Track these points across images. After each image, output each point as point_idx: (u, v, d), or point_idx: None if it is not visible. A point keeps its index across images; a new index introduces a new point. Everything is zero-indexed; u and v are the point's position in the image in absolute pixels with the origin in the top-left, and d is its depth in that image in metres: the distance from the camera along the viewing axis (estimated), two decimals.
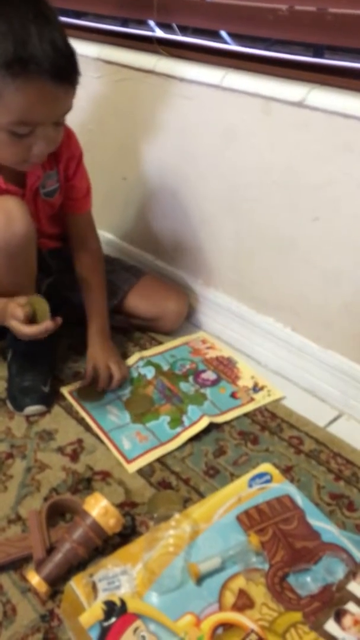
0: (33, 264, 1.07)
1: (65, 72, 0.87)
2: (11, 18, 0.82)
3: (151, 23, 1.33)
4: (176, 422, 1.07)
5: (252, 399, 1.14)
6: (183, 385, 1.16)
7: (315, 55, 1.12)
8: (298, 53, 1.10)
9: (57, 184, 1.13)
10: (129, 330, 1.33)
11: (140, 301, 1.29)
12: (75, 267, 1.23)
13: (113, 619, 0.68)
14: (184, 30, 1.30)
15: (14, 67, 0.82)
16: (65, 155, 1.11)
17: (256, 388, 1.17)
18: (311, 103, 0.97)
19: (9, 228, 0.98)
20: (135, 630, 0.67)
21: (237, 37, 1.25)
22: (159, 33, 1.31)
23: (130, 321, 1.32)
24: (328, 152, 0.99)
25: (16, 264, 1.02)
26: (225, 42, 1.26)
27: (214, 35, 1.28)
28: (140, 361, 1.23)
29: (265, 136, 1.08)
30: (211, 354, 1.27)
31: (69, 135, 1.11)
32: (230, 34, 1.27)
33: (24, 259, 1.04)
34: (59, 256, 1.26)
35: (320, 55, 1.12)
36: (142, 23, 1.40)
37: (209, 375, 1.20)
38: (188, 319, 1.36)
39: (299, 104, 0.99)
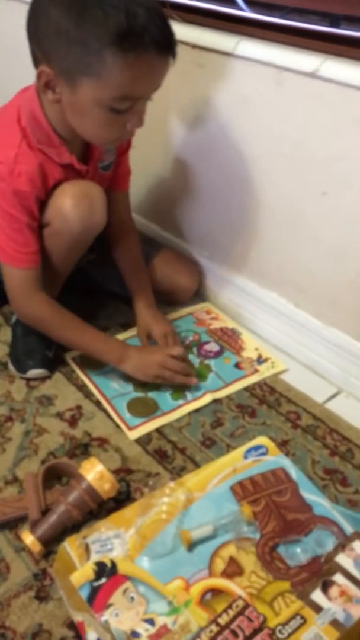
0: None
1: (171, 43, 0.84)
2: None
3: None
4: (179, 394, 1.08)
5: (256, 370, 1.14)
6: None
7: (331, 25, 1.09)
8: (314, 22, 1.07)
9: (113, 157, 1.10)
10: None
11: (154, 275, 1.26)
12: (115, 250, 1.20)
13: (103, 580, 0.69)
14: None
15: (127, 40, 0.78)
16: None
17: (260, 359, 1.17)
18: (324, 74, 0.95)
19: (91, 217, 1.00)
20: (125, 591, 0.68)
21: (252, 4, 1.22)
22: None
23: None
24: (340, 125, 0.97)
25: (80, 248, 1.06)
26: (240, 9, 1.22)
27: (229, 1, 1.24)
28: None
29: (276, 107, 1.06)
30: (215, 324, 1.27)
31: None
32: (245, 1, 1.23)
33: (88, 243, 1.06)
34: None
35: (337, 25, 1.09)
36: None
37: (212, 346, 1.20)
38: None
39: (312, 75, 0.97)
